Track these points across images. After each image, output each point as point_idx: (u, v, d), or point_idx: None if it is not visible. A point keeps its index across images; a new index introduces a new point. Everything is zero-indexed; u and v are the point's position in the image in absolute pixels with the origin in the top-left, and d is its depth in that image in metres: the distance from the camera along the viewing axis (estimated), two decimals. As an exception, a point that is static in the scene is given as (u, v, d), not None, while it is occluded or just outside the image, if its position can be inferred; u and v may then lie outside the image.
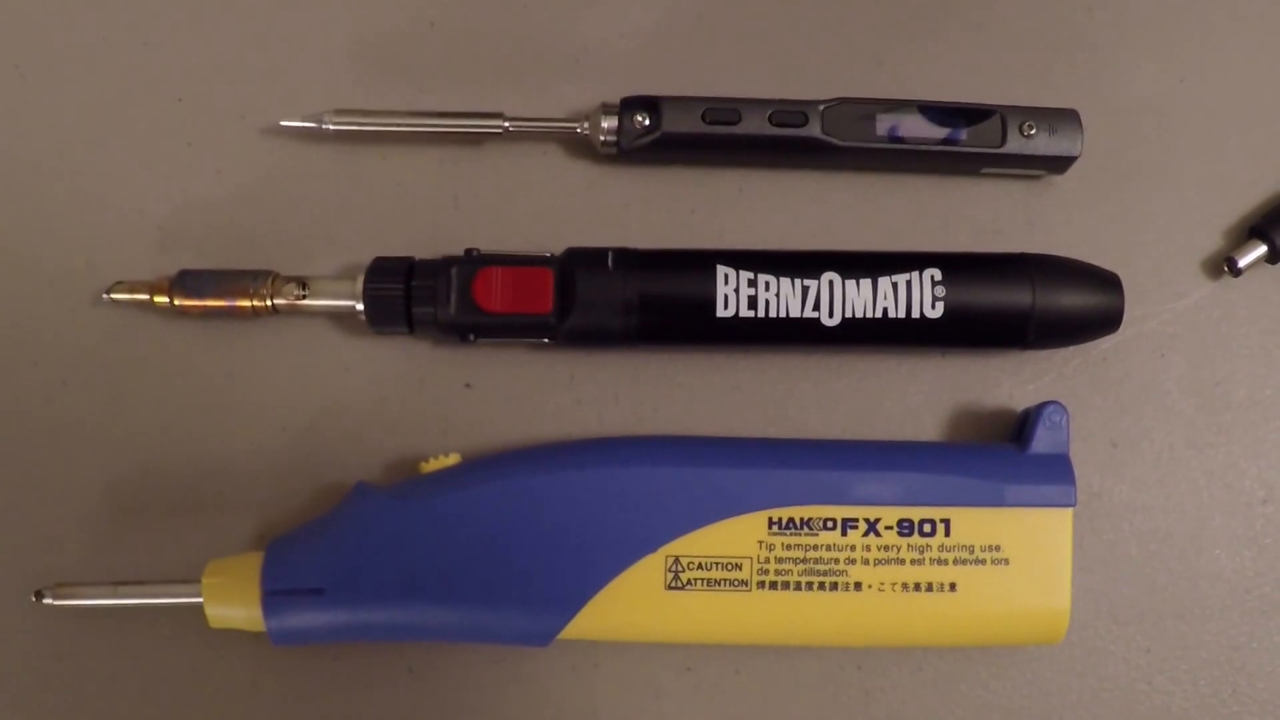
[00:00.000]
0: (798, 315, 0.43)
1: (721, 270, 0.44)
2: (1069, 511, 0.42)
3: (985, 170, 0.47)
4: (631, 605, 0.42)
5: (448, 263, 0.44)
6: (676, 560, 0.42)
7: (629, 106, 0.46)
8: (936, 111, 0.46)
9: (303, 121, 0.46)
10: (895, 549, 0.42)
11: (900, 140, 0.46)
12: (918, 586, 0.42)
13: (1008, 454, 0.44)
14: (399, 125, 0.46)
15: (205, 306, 0.45)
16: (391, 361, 0.46)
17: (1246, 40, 0.49)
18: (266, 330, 0.46)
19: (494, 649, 0.45)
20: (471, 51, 0.49)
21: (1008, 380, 0.47)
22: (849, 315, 0.44)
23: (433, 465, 0.43)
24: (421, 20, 0.49)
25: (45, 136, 0.48)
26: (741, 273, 0.44)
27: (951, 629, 0.43)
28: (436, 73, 0.48)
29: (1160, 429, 0.47)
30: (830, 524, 0.42)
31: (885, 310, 0.43)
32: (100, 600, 0.43)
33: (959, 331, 0.44)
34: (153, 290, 0.45)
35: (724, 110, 0.45)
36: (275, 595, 0.42)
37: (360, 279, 0.44)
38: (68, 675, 0.45)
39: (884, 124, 0.46)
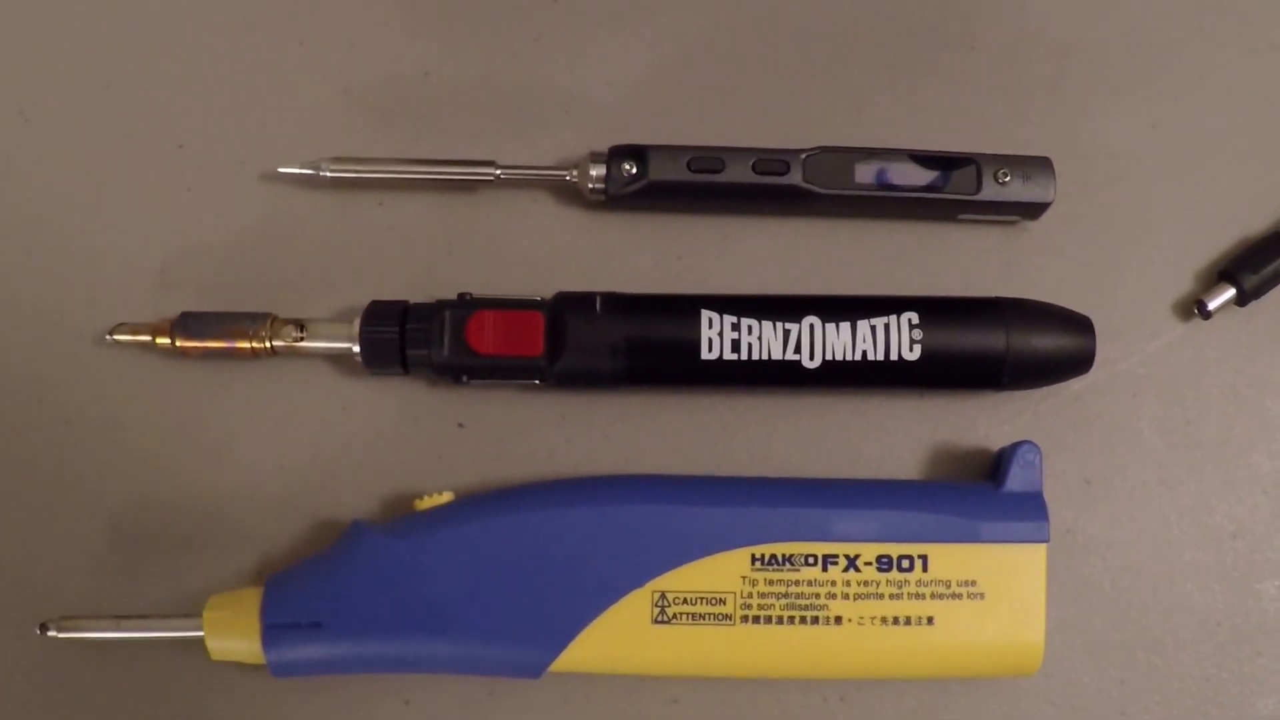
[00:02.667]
0: (780, 358, 0.45)
1: (706, 314, 0.45)
2: (1042, 547, 0.44)
3: (962, 216, 0.48)
4: (619, 639, 0.43)
5: (441, 306, 0.45)
6: (663, 595, 0.43)
7: (616, 155, 0.47)
8: (914, 160, 0.47)
9: (300, 168, 0.47)
10: (874, 584, 0.43)
11: (879, 188, 0.47)
12: (896, 620, 0.43)
13: (983, 492, 0.45)
14: (394, 172, 0.48)
15: (205, 348, 0.46)
16: (387, 402, 0.48)
17: (1215, 88, 0.51)
18: (265, 371, 0.48)
19: (486, 681, 0.46)
20: (465, 101, 0.50)
21: (983, 420, 0.48)
22: (829, 358, 0.45)
23: (427, 503, 0.45)
24: (417, 70, 0.50)
25: (49, 181, 0.49)
26: (725, 317, 0.45)
27: (929, 661, 0.44)
28: (431, 121, 0.50)
29: (1132, 466, 0.48)
30: (811, 560, 0.43)
31: (864, 353, 0.45)
32: (104, 633, 0.44)
33: (936, 373, 0.45)
34: (154, 331, 0.46)
35: (708, 159, 0.47)
36: (275, 629, 0.43)
37: (356, 322, 0.46)
38: (72, 706, 0.46)
39: (863, 172, 0.47)
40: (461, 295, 0.46)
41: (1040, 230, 0.49)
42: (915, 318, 0.45)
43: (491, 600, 0.43)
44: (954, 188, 0.47)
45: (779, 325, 0.45)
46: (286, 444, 0.47)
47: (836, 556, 0.44)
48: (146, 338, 0.46)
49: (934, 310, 0.45)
